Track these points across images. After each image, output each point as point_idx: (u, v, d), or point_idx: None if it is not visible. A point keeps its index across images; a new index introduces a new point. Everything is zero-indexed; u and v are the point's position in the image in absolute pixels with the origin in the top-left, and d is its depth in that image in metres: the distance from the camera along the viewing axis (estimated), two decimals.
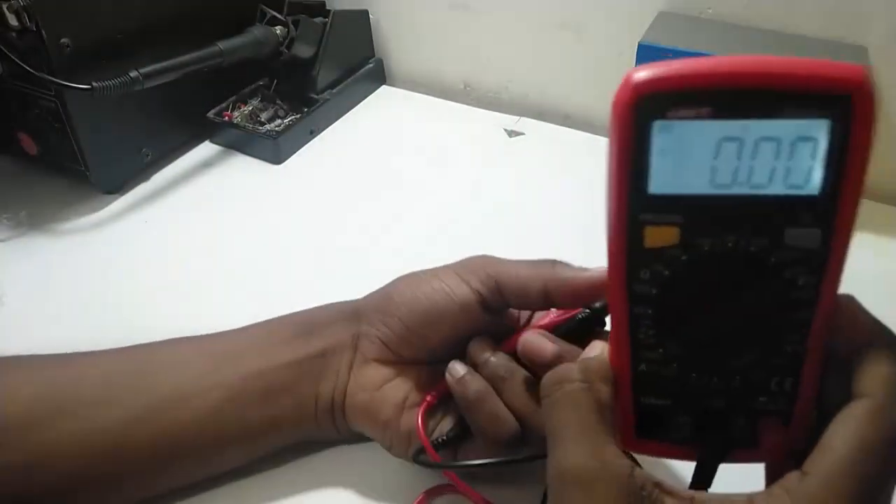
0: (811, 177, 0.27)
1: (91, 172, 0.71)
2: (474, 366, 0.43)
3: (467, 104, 0.88)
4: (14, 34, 0.63)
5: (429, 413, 0.44)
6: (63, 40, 0.64)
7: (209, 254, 0.67)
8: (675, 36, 0.67)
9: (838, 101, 0.26)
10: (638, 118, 0.27)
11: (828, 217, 0.28)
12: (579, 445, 0.30)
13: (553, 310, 0.44)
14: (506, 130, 0.82)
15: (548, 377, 0.33)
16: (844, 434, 0.28)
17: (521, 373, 0.41)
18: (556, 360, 0.39)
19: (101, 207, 0.72)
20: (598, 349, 0.35)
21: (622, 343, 0.32)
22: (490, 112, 0.86)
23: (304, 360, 0.46)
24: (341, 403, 0.46)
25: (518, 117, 0.84)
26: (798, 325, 0.30)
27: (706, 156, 0.28)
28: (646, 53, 0.66)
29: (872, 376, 0.28)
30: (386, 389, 0.45)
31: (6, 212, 0.72)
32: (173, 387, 0.44)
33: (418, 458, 0.43)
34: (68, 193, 0.74)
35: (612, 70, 0.78)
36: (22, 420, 0.42)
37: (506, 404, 0.41)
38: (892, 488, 0.28)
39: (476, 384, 0.42)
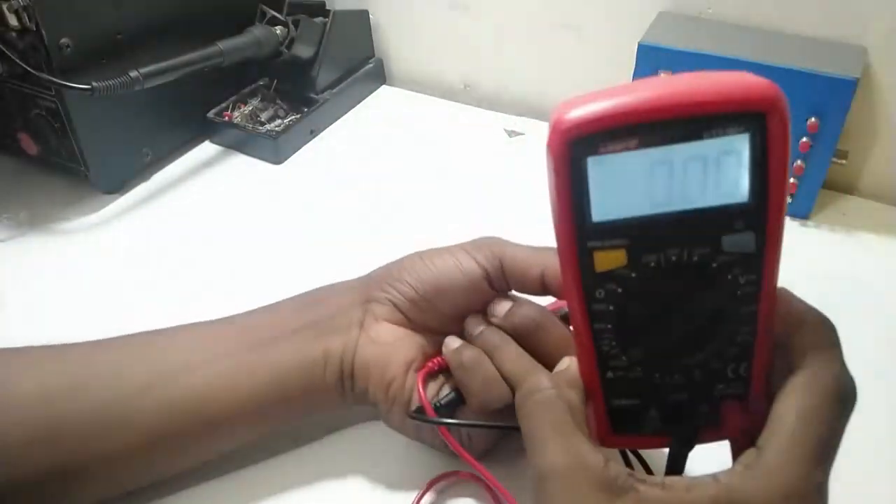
0: (739, 186, 0.29)
1: (91, 172, 0.71)
2: (469, 337, 0.45)
3: (467, 104, 0.88)
4: (14, 34, 0.63)
5: (430, 379, 0.46)
6: (63, 40, 0.64)
7: (209, 253, 0.67)
8: (675, 36, 0.67)
9: (754, 117, 0.28)
10: (572, 157, 0.29)
11: (759, 220, 0.30)
12: (556, 444, 0.32)
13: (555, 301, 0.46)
14: (506, 130, 0.82)
15: (521, 390, 0.36)
16: (788, 405, 0.31)
17: (513, 343, 0.43)
18: (543, 319, 0.43)
19: (101, 207, 0.73)
20: (566, 363, 0.38)
21: (588, 355, 0.34)
22: (490, 112, 0.86)
23: (312, 322, 0.47)
24: (350, 360, 0.46)
25: (518, 117, 0.84)
26: (746, 318, 0.32)
27: (640, 181, 0.30)
28: (646, 53, 0.66)
29: (805, 350, 0.31)
30: (396, 344, 0.46)
31: (6, 212, 0.72)
32: (182, 357, 0.45)
33: (415, 414, 0.44)
34: (68, 193, 0.74)
35: (612, 70, 0.78)
36: (38, 395, 0.42)
37: (498, 370, 0.43)
38: (838, 444, 0.30)
39: (470, 351, 0.44)
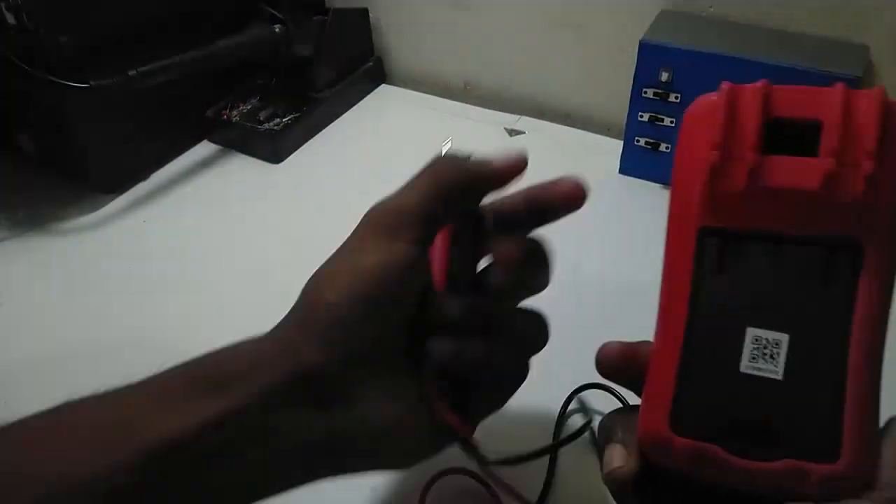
0: None
1: (89, 172, 0.71)
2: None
3: (467, 103, 0.87)
4: (12, 33, 0.63)
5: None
6: (61, 39, 0.64)
7: (208, 253, 0.67)
8: (676, 34, 0.67)
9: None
10: None
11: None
12: None
13: None
14: (506, 129, 0.82)
15: None
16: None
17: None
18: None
19: (100, 207, 0.72)
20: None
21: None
22: (490, 111, 0.85)
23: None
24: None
25: (518, 116, 0.84)
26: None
27: None
28: (647, 52, 0.66)
29: None
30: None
31: (4, 211, 0.71)
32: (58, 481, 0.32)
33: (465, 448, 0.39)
34: (67, 193, 0.73)
35: (613, 69, 0.78)
36: None
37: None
38: None
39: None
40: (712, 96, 0.31)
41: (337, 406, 0.36)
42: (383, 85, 0.92)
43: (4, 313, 0.61)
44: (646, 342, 0.32)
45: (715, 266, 0.31)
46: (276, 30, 0.78)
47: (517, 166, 0.40)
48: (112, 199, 0.73)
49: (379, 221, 0.39)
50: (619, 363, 0.33)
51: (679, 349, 0.31)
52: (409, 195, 0.39)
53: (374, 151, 0.80)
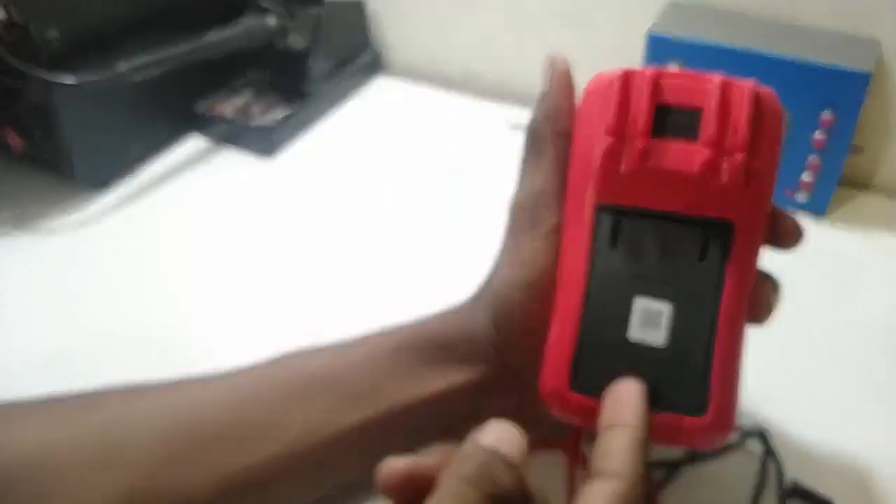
0: None
1: (77, 168, 0.70)
2: None
3: (468, 96, 0.86)
4: (0, 28, 0.62)
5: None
6: (50, 33, 0.63)
7: (199, 250, 0.66)
8: (685, 27, 0.66)
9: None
10: None
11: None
12: None
13: None
14: (508, 123, 0.80)
15: None
16: None
17: None
18: None
19: (88, 204, 0.71)
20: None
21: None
22: (492, 104, 0.84)
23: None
24: None
25: (521, 110, 0.82)
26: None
27: None
28: (656, 44, 0.65)
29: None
30: None
31: None
32: (310, 423, 0.40)
33: None
34: (54, 190, 0.72)
35: (619, 61, 0.75)
36: (164, 457, 0.38)
37: None
38: None
39: None
40: (608, 75, 0.36)
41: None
42: (380, 77, 0.91)
43: None
44: (432, 455, 0.31)
45: (609, 240, 0.35)
46: (270, 22, 0.77)
47: None
48: (101, 196, 0.72)
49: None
50: (401, 484, 0.30)
51: (577, 317, 0.35)
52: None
53: (370, 145, 0.79)
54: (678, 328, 0.34)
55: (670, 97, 0.34)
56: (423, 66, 0.91)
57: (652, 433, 0.32)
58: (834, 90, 0.61)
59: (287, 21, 0.78)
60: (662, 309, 0.34)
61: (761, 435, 0.46)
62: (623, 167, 0.34)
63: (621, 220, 0.35)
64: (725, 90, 0.34)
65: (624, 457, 0.30)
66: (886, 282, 0.61)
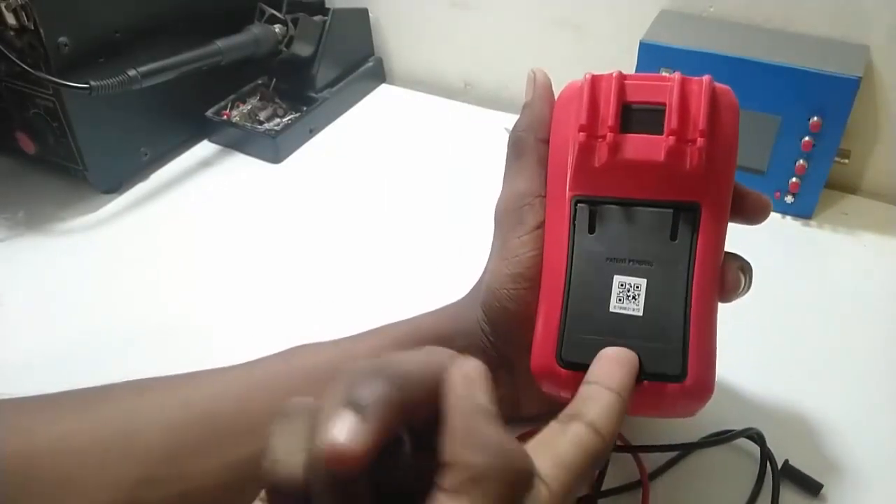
0: None
1: (89, 172, 0.71)
2: None
3: (467, 103, 0.87)
4: (12, 33, 0.63)
5: None
6: (61, 39, 0.64)
7: (207, 253, 0.67)
8: (677, 34, 0.67)
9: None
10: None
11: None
12: None
13: None
14: (506, 129, 0.80)
15: None
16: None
17: None
18: None
19: (99, 207, 0.72)
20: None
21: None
22: (490, 111, 0.85)
23: None
24: None
25: (518, 116, 0.83)
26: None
27: None
28: (648, 52, 0.66)
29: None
30: None
31: (4, 212, 0.71)
32: None
33: None
34: (66, 193, 0.73)
35: (613, 69, 0.77)
36: (176, 445, 0.39)
37: None
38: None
39: None
40: (578, 83, 0.39)
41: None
42: (383, 85, 0.92)
43: (3, 312, 0.61)
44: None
45: (587, 228, 0.38)
46: (276, 30, 0.78)
47: None
48: (111, 200, 0.73)
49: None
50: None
51: (562, 298, 0.37)
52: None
53: (373, 152, 0.80)
54: (655, 301, 0.36)
55: (635, 96, 0.37)
56: (424, 74, 0.92)
57: (637, 401, 0.34)
58: (823, 95, 0.61)
59: (293, 29, 0.78)
60: (640, 284, 0.36)
61: (758, 436, 0.47)
62: (596, 161, 0.37)
63: (597, 209, 0.38)
64: (684, 87, 0.37)
65: (604, 409, 0.31)
66: (873, 283, 0.62)
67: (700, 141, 0.36)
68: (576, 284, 0.37)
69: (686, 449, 0.48)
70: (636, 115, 0.37)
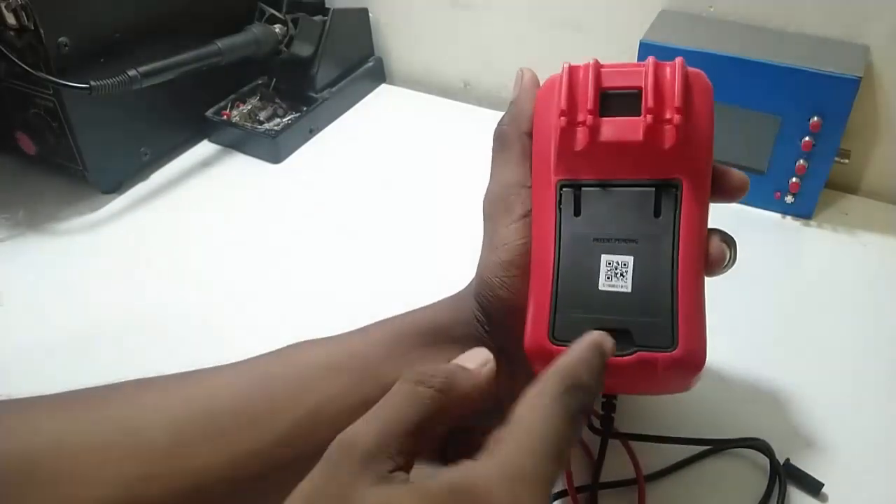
0: None
1: (89, 172, 0.71)
2: None
3: (467, 103, 0.87)
4: (12, 33, 0.63)
5: None
6: (61, 39, 0.64)
7: (207, 253, 0.67)
8: (677, 34, 0.67)
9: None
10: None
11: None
12: None
13: None
14: None
15: None
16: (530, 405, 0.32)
17: None
18: None
19: (100, 207, 0.72)
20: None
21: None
22: (490, 111, 0.85)
23: None
24: None
25: None
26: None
27: None
28: (648, 52, 0.65)
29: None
30: None
31: (4, 212, 0.72)
32: (317, 406, 0.41)
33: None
34: (66, 193, 0.74)
35: None
36: (177, 441, 0.39)
37: None
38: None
39: None
40: (558, 75, 0.40)
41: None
42: (383, 85, 0.92)
43: (3, 312, 0.61)
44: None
45: (573, 211, 0.38)
46: (276, 30, 0.78)
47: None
48: (111, 200, 0.73)
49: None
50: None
51: (551, 279, 0.38)
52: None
53: (373, 151, 0.80)
54: (643, 277, 0.37)
55: (611, 82, 0.39)
56: (424, 74, 0.92)
57: (631, 375, 0.36)
58: (823, 95, 0.61)
59: (293, 29, 0.79)
60: (627, 262, 0.37)
61: (765, 447, 0.48)
62: (578, 145, 0.38)
63: (582, 192, 0.39)
64: (658, 70, 0.38)
65: (588, 364, 0.33)
66: (872, 283, 0.62)
67: (676, 118, 0.37)
68: (565, 266, 0.38)
69: (687, 444, 0.48)
70: (614, 100, 0.38)
